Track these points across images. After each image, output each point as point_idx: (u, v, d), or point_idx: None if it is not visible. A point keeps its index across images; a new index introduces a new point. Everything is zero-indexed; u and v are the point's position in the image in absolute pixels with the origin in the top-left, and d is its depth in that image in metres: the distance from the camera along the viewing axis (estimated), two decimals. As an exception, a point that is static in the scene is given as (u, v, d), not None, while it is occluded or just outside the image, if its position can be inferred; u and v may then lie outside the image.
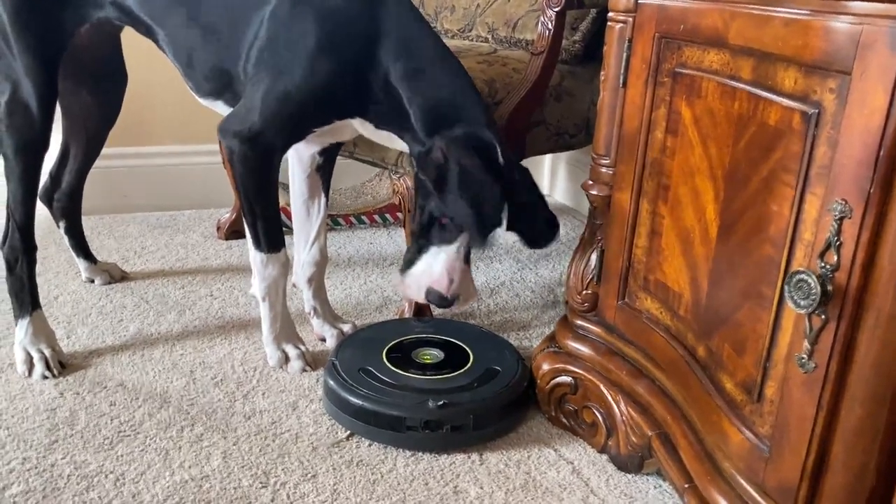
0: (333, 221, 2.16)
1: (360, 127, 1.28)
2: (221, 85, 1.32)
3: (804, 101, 0.77)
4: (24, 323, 1.36)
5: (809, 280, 0.72)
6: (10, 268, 1.36)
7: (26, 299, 1.36)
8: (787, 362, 0.81)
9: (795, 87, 0.79)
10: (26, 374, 1.32)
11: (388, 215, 2.22)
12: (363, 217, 2.20)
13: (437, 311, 1.61)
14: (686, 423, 1.03)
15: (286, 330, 1.41)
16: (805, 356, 0.76)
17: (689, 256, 1.01)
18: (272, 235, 1.31)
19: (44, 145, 1.33)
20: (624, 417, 1.15)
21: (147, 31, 1.37)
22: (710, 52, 0.95)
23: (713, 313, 0.96)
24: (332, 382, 1.24)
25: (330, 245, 2.03)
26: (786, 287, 0.75)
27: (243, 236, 2.02)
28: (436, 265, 1.18)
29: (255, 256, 1.33)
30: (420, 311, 1.54)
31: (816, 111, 0.75)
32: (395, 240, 2.09)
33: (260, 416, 1.25)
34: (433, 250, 1.19)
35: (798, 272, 0.74)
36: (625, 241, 1.14)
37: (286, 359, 1.39)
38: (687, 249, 1.01)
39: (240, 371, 1.38)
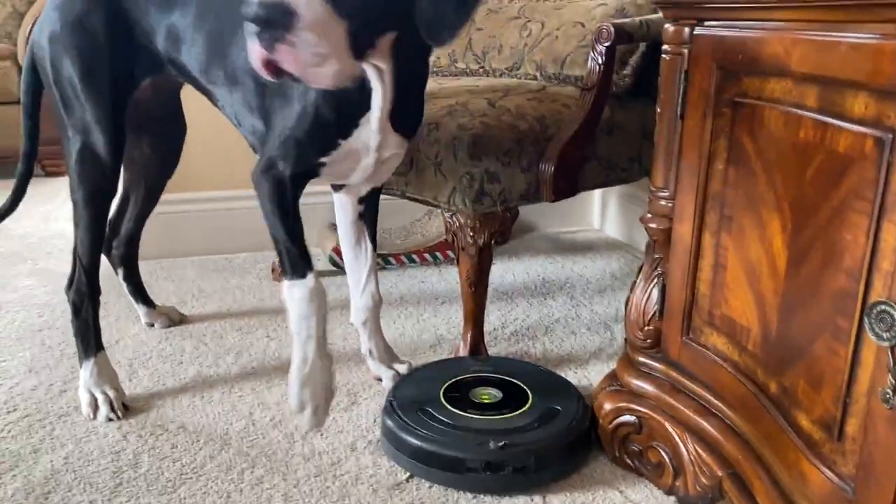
0: (384, 260, 2.17)
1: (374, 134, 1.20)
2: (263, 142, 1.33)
3: (876, 127, 0.75)
4: (88, 364, 1.39)
5: (892, 311, 0.70)
6: (77, 311, 1.40)
7: (91, 341, 1.40)
8: (869, 398, 0.77)
9: (866, 113, 0.77)
10: (91, 416, 1.34)
11: (438, 254, 2.22)
12: (414, 256, 2.21)
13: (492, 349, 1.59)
14: (759, 463, 0.99)
15: (314, 377, 1.21)
16: (889, 391, 0.73)
17: (756, 289, 0.98)
18: (292, 260, 1.22)
19: (112, 193, 1.38)
20: (692, 457, 1.11)
21: (204, 92, 1.41)
22: (771, 81, 0.93)
23: (785, 348, 0.93)
24: (390, 423, 1.23)
25: (382, 284, 2.02)
26: (865, 319, 0.72)
27: (297, 277, 2.06)
28: None
29: (283, 286, 1.25)
30: (476, 349, 1.53)
31: (891, 136, 0.73)
32: (447, 278, 2.08)
33: (319, 458, 1.24)
34: None
35: (879, 303, 0.71)
36: (687, 275, 1.11)
37: (301, 407, 1.21)
38: (754, 282, 0.99)
39: (298, 412, 1.38)
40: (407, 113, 1.24)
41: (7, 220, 1.47)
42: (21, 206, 1.46)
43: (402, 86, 1.16)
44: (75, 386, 1.44)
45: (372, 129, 1.19)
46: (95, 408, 1.35)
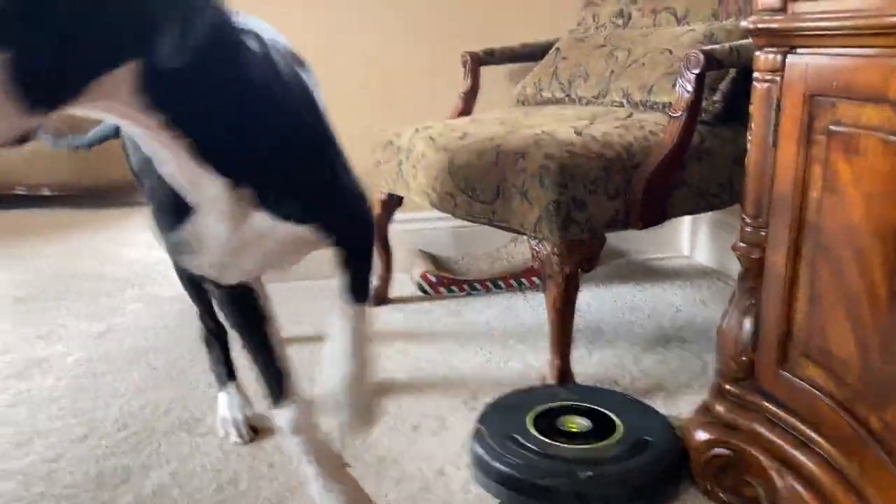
0: (471, 286, 2.20)
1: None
2: None
3: (982, 156, 0.73)
4: (221, 394, 1.50)
5: None
6: (209, 352, 1.56)
7: (222, 375, 1.52)
8: (979, 436, 0.74)
9: (971, 142, 0.74)
10: (225, 436, 1.43)
11: (524, 280, 2.23)
12: (500, 282, 2.23)
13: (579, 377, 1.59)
14: (860, 500, 0.96)
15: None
16: None
17: (855, 321, 0.96)
18: (269, 385, 1.17)
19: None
20: (788, 492, 1.08)
21: None
22: (867, 108, 0.91)
23: (886, 382, 0.90)
24: (479, 449, 1.25)
25: (468, 310, 2.06)
26: (974, 354, 0.70)
27: (387, 303, 2.11)
28: None
29: None
30: (563, 377, 1.53)
31: None
32: (533, 304, 2.09)
33: (409, 482, 1.27)
34: None
35: None
36: (782, 306, 1.09)
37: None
38: (852, 313, 0.96)
39: (389, 435, 1.41)
40: (284, 186, 0.94)
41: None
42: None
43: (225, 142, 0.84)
44: (180, 406, 1.53)
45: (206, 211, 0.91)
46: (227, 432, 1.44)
